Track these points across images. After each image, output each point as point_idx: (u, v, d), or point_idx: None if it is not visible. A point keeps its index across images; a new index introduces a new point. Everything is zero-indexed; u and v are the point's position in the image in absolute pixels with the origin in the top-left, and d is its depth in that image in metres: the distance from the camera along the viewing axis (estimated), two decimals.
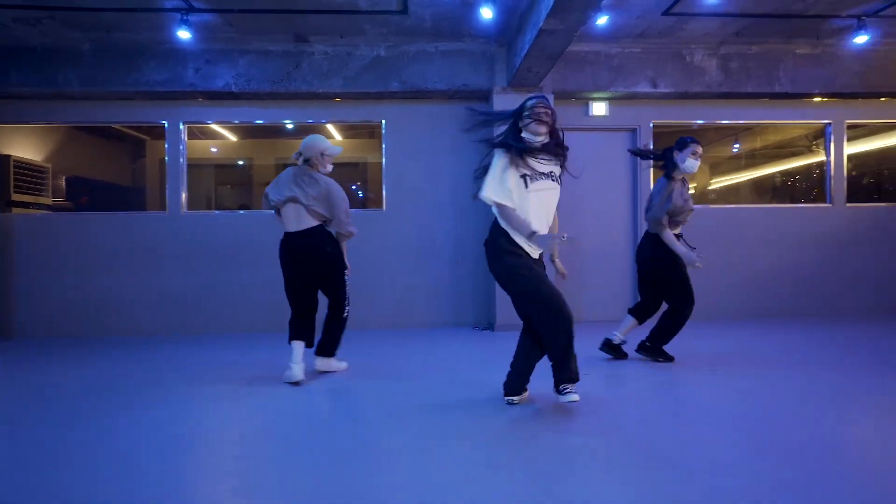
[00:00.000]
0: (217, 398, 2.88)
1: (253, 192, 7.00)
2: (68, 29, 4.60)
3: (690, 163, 3.30)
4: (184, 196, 5.27)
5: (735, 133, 7.57)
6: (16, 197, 5.23)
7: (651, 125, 5.47)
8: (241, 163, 7.60)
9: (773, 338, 4.37)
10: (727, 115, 5.58)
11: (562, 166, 2.57)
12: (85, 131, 6.43)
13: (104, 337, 5.02)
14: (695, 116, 5.56)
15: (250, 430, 2.40)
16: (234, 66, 4.95)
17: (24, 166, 5.34)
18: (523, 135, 2.50)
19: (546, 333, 2.44)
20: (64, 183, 6.14)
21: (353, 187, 6.98)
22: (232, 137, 6.99)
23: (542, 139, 2.49)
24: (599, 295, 5.50)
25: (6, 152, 5.16)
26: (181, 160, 5.21)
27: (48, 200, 5.68)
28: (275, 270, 3.34)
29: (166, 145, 5.21)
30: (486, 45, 5.06)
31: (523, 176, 2.44)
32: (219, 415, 2.63)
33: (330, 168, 3.33)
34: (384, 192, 5.35)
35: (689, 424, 2.33)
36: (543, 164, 2.49)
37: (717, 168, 7.94)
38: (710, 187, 8.03)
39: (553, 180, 2.52)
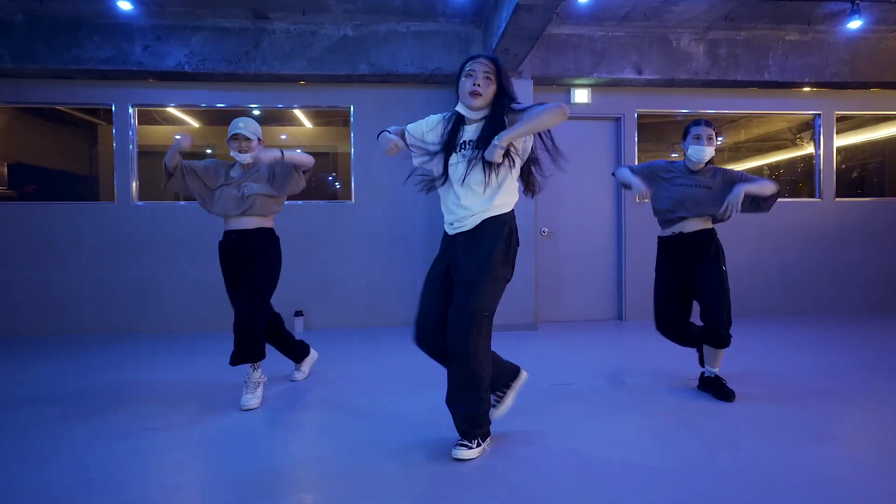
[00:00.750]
0: (140, 425, 2.53)
1: None
2: None
3: (694, 149, 2.81)
4: (134, 185, 4.88)
5: (719, 126, 7.37)
6: None
7: (636, 114, 5.21)
8: (209, 150, 7.14)
9: (751, 338, 4.15)
10: (714, 105, 5.34)
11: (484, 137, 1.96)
12: (30, 114, 5.90)
13: (43, 336, 4.60)
14: (681, 105, 5.30)
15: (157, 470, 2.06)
16: (186, 44, 4.54)
17: None
18: (457, 108, 2.05)
19: None
20: (6, 170, 5.66)
21: (330, 178, 6.62)
22: (194, 123, 6.54)
23: (478, 113, 2.00)
24: (580, 294, 5.23)
25: None
26: (131, 146, 4.81)
27: None
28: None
29: (114, 130, 4.80)
30: (460, 26, 4.72)
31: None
32: (127, 449, 2.28)
33: (238, 154, 2.74)
34: (353, 183, 5.00)
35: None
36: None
37: None
38: None
39: (471, 149, 1.97)
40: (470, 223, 1.98)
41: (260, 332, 2.68)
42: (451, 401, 1.97)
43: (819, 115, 5.41)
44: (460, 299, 1.91)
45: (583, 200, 5.22)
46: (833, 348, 3.77)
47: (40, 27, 4.42)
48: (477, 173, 1.96)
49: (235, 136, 2.71)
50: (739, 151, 7.56)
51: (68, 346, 4.22)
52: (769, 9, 4.55)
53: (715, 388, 2.74)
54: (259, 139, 2.78)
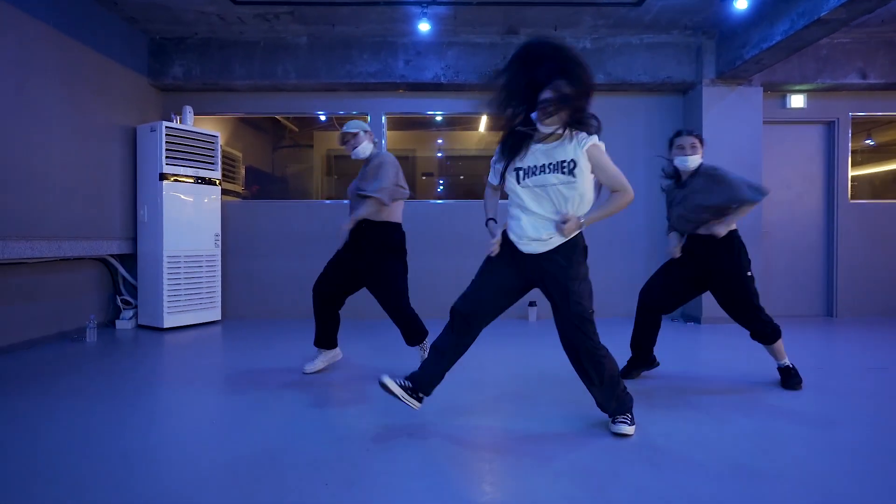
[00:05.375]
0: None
1: (416, 183, 7.10)
2: (296, 24, 4.75)
3: (678, 160, 2.83)
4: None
5: (868, 128, 7.31)
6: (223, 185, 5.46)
7: (850, 117, 5.35)
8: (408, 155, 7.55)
9: None
10: None
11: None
12: (254, 123, 6.62)
13: (296, 319, 5.18)
14: None
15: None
16: (442, 58, 5.04)
17: (226, 155, 5.55)
18: (533, 115, 2.01)
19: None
20: (244, 171, 6.37)
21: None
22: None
23: (550, 129, 2.01)
24: (790, 289, 5.43)
25: None
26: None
27: (240, 188, 5.90)
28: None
29: None
30: (692, 38, 5.02)
31: (516, 170, 2.08)
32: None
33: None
34: None
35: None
36: (540, 155, 2.05)
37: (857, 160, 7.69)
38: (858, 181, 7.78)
39: (561, 172, 2.02)
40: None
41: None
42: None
43: None
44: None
45: (793, 200, 5.41)
46: None
47: (319, 47, 5.02)
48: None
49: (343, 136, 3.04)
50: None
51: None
52: None
53: (784, 377, 2.90)
54: (365, 131, 3.04)
